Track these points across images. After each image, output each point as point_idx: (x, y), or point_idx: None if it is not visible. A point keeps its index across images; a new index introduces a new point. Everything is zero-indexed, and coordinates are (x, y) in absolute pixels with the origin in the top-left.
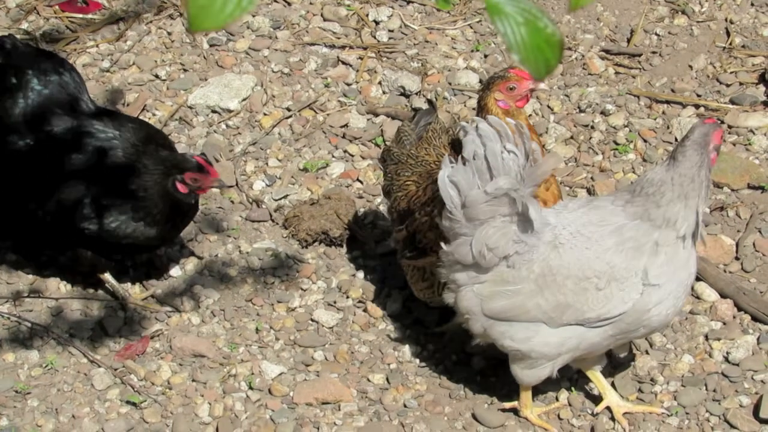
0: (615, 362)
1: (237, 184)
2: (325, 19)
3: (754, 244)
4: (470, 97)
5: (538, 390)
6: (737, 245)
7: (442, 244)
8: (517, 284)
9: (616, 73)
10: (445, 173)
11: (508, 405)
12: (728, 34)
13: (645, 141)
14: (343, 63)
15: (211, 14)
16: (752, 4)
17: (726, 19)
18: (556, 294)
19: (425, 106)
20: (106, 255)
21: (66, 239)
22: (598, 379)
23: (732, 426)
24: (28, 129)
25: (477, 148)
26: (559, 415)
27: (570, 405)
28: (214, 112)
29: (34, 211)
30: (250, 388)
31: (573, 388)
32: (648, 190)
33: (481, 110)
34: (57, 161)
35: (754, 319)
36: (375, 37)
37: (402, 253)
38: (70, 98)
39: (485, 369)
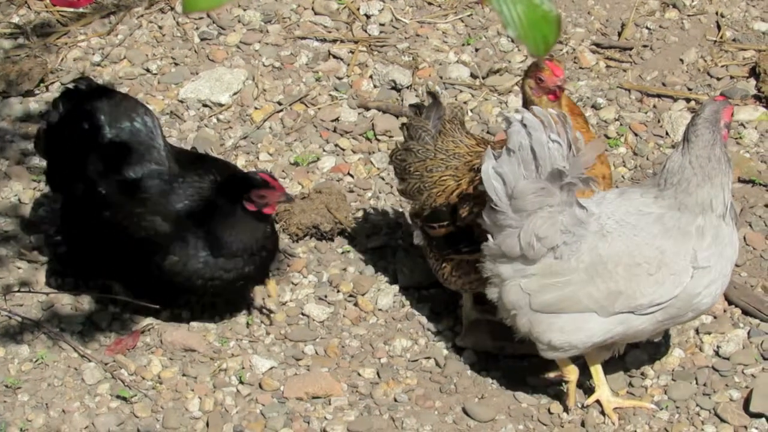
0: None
1: None
2: (316, 13)
3: (744, 237)
4: (461, 91)
5: (526, 384)
6: None
7: (489, 237)
8: (566, 275)
9: (607, 66)
10: (490, 165)
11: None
12: (719, 27)
13: (636, 135)
14: (334, 57)
15: None
16: None
17: (717, 13)
18: (607, 282)
19: (425, 101)
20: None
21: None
22: (597, 372)
23: (722, 420)
24: (103, 177)
25: (522, 139)
26: (549, 409)
27: (559, 399)
28: (205, 106)
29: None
30: (241, 382)
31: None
32: (672, 180)
33: (523, 92)
34: (135, 213)
35: (745, 313)
36: (366, 31)
37: (445, 250)
38: (142, 145)
39: (475, 363)
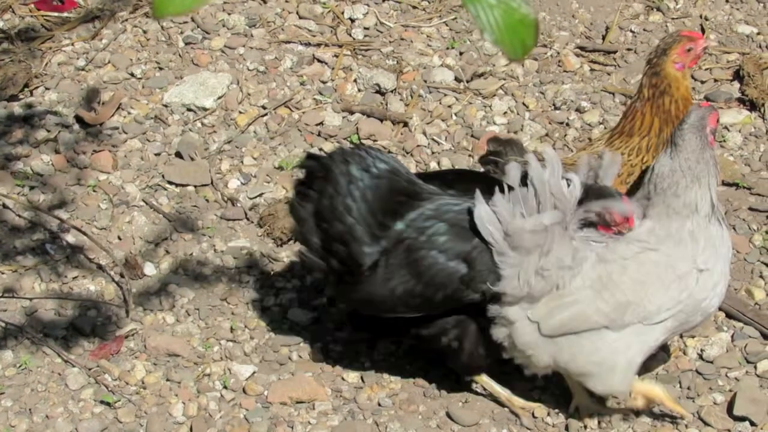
0: None
1: (212, 183)
2: (300, 17)
3: None
4: (445, 95)
5: (510, 388)
6: None
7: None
8: (573, 294)
9: (592, 70)
10: (481, 208)
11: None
12: (703, 30)
13: None
14: (319, 61)
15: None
16: (727, 1)
17: (701, 16)
18: (615, 294)
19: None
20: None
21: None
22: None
23: (706, 423)
24: (377, 230)
25: (524, 178)
26: (533, 413)
27: (543, 403)
28: (189, 110)
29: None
30: (225, 387)
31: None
32: (662, 185)
33: (657, 75)
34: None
35: (729, 316)
36: (350, 35)
37: None
38: (405, 183)
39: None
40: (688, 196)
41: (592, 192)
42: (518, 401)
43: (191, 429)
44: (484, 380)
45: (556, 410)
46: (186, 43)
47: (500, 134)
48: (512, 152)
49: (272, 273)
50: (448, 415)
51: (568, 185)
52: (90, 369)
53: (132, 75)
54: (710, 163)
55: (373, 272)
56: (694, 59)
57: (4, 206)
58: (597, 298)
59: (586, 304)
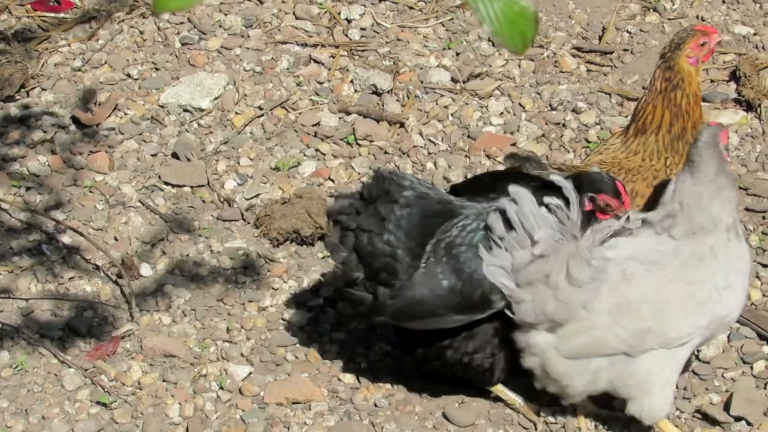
0: None
1: (209, 184)
2: (297, 18)
3: None
4: (442, 96)
5: (507, 388)
6: None
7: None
8: (591, 319)
9: (588, 70)
10: (487, 263)
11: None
12: None
13: None
14: (315, 61)
15: None
16: (723, 2)
17: (697, 17)
18: (634, 321)
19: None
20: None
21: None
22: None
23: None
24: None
25: (510, 221)
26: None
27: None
28: (185, 111)
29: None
30: (221, 388)
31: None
32: (687, 200)
33: (670, 69)
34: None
35: None
36: (347, 36)
37: None
38: (437, 205)
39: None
40: (713, 209)
41: (584, 180)
42: (534, 407)
43: (187, 430)
44: (499, 389)
45: (554, 411)
46: (182, 44)
47: (519, 151)
48: (531, 168)
49: (268, 274)
50: (444, 415)
51: (567, 204)
52: (86, 370)
53: (128, 76)
54: (729, 176)
55: (414, 276)
56: (708, 54)
57: (1, 207)
58: (615, 325)
59: (604, 330)
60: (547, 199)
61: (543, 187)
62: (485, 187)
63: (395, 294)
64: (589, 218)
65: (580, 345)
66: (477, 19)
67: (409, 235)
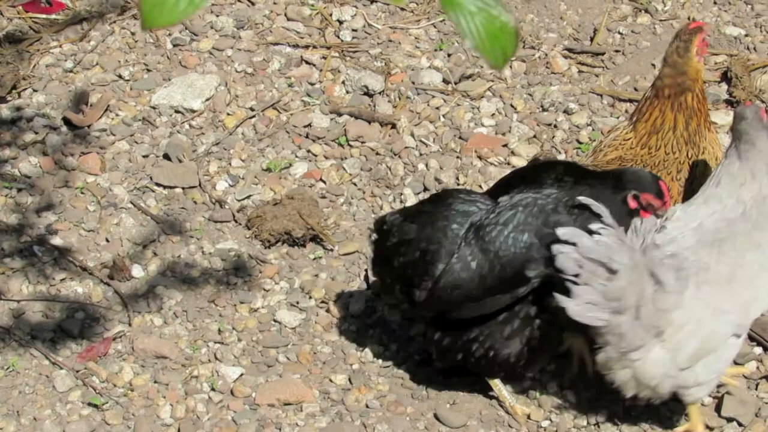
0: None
1: (200, 185)
2: (288, 19)
3: None
4: (433, 97)
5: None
6: None
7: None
8: (694, 319)
9: (579, 71)
10: (571, 305)
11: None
12: None
13: None
14: (307, 62)
15: (164, 11)
16: (715, 3)
17: (689, 18)
18: (736, 298)
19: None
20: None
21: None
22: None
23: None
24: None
25: (578, 260)
26: (529, 416)
27: (540, 406)
28: (177, 112)
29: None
30: (212, 389)
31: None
32: (754, 165)
33: (684, 75)
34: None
35: None
36: (338, 37)
37: None
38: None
39: (447, 369)
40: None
41: (629, 177)
42: (521, 410)
43: (179, 431)
44: (497, 383)
45: (549, 413)
46: (174, 45)
47: (543, 153)
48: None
49: (260, 275)
50: (436, 416)
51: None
52: (78, 371)
53: (120, 77)
54: None
55: (449, 263)
56: (706, 46)
57: None
58: (718, 313)
59: (710, 323)
60: (593, 227)
61: (575, 209)
62: (518, 182)
63: (436, 281)
64: (630, 216)
65: (694, 349)
66: (459, 33)
67: (444, 233)
